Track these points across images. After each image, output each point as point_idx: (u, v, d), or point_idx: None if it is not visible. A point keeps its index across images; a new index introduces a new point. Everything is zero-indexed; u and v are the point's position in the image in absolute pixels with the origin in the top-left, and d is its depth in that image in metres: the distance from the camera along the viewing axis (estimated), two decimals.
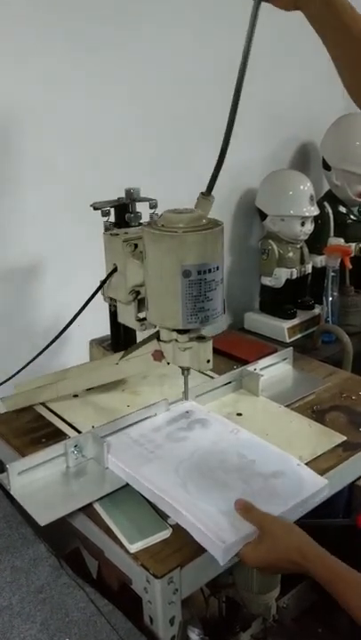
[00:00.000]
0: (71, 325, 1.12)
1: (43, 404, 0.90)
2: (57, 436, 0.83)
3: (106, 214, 0.86)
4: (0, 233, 1.01)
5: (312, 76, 1.47)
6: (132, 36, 1.09)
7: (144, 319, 0.81)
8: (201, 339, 0.74)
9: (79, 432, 0.83)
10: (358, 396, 0.95)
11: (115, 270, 0.83)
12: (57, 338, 0.84)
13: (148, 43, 1.12)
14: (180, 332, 0.73)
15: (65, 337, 1.11)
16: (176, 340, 0.74)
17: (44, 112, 1.00)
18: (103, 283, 0.84)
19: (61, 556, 0.72)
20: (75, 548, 0.91)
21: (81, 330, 0.91)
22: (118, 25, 1.07)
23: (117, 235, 0.82)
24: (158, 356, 0.77)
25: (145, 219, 0.90)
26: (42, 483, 0.73)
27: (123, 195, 0.90)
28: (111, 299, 0.88)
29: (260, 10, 0.70)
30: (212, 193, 0.75)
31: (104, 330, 0.97)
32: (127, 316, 0.85)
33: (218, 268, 0.70)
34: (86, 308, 0.88)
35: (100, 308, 0.89)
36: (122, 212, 0.88)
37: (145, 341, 0.80)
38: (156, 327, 0.77)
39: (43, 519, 0.67)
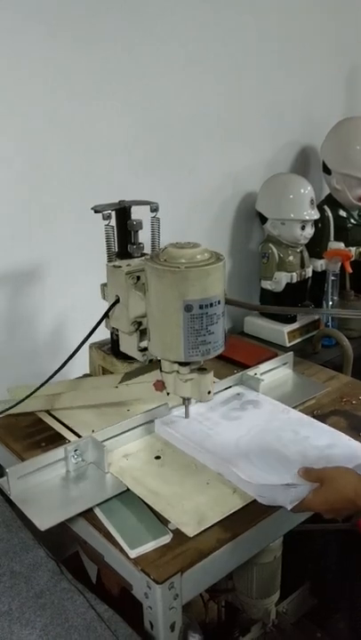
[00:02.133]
0: (71, 330, 1.12)
1: None
2: (56, 440, 0.83)
3: (107, 218, 0.86)
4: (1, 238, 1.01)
5: (313, 79, 1.48)
6: (134, 35, 1.09)
7: (146, 349, 0.82)
8: (202, 370, 0.76)
9: (79, 436, 0.83)
10: (359, 400, 0.95)
11: (117, 301, 0.84)
12: (63, 366, 0.82)
13: (150, 42, 1.11)
14: (181, 364, 0.75)
15: (64, 340, 1.12)
16: (177, 372, 0.75)
17: (44, 113, 1.00)
18: (106, 314, 0.86)
19: (61, 561, 0.72)
20: (74, 552, 0.91)
21: (81, 333, 0.91)
22: (120, 25, 1.06)
23: (120, 267, 0.83)
24: (160, 386, 0.78)
25: (146, 224, 0.90)
26: (42, 487, 0.72)
27: (123, 197, 0.90)
28: (113, 328, 0.89)
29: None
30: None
31: (103, 334, 0.97)
32: (129, 346, 0.86)
33: (219, 302, 0.72)
34: (86, 312, 0.87)
35: (99, 311, 0.89)
36: (123, 217, 0.88)
37: (145, 370, 0.81)
38: (157, 357, 0.78)
39: (43, 524, 0.66)
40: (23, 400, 0.83)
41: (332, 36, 1.48)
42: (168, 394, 0.79)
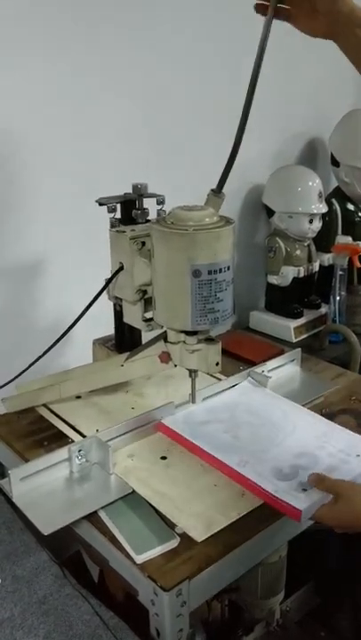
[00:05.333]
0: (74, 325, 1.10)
1: (45, 405, 0.88)
2: (59, 438, 0.81)
3: (112, 210, 0.83)
4: (1, 230, 0.98)
5: (321, 71, 1.44)
6: (138, 29, 1.06)
7: (150, 319, 0.79)
8: (210, 340, 0.72)
9: (82, 435, 0.81)
10: None
11: (121, 269, 0.80)
12: (62, 337, 0.82)
13: (155, 36, 1.08)
14: (188, 333, 0.71)
15: (67, 337, 1.09)
16: (184, 342, 0.72)
17: (47, 107, 0.97)
18: (109, 282, 0.82)
19: (62, 561, 0.70)
20: (76, 551, 0.89)
21: (84, 329, 0.89)
22: (124, 19, 1.03)
23: (124, 232, 0.79)
24: (165, 357, 0.75)
25: (152, 215, 0.87)
26: (44, 489, 0.70)
27: (128, 190, 0.87)
28: (116, 298, 0.85)
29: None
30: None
31: (108, 329, 0.95)
32: (133, 316, 0.82)
33: (229, 268, 0.68)
34: (90, 307, 0.85)
35: (103, 307, 0.87)
36: (128, 209, 0.85)
37: (151, 342, 0.77)
38: (162, 328, 0.74)
39: (46, 528, 0.64)
40: (19, 375, 0.81)
41: None
42: (175, 366, 0.75)
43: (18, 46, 0.92)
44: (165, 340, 0.74)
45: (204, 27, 1.16)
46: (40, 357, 0.82)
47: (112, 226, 0.84)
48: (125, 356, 0.84)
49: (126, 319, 0.85)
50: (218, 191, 0.70)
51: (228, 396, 0.88)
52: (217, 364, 0.73)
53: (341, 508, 0.63)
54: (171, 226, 0.67)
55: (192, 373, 0.76)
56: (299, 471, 0.70)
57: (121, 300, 0.84)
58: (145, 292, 0.79)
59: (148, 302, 0.79)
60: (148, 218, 0.85)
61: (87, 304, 0.82)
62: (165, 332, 0.74)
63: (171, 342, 0.73)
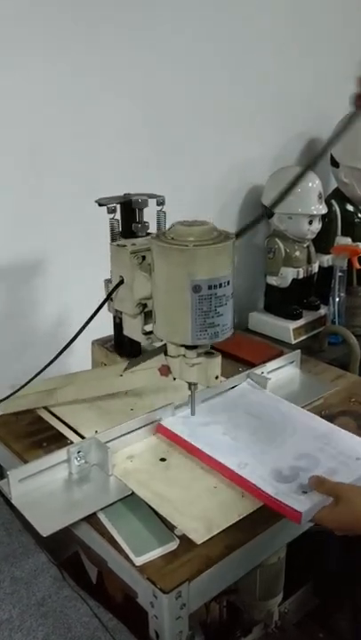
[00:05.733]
0: (73, 325, 1.09)
1: (43, 406, 0.88)
2: (58, 439, 0.81)
3: (112, 211, 0.83)
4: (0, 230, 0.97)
5: (321, 72, 1.44)
6: (138, 29, 1.05)
7: (150, 332, 0.79)
8: (209, 354, 0.72)
9: (81, 436, 0.81)
10: None
11: (121, 282, 0.80)
12: (63, 350, 0.80)
13: (155, 36, 1.08)
14: (188, 347, 0.71)
15: (66, 337, 1.09)
16: (184, 356, 0.72)
17: (46, 107, 0.97)
18: (109, 295, 0.82)
19: (61, 562, 0.70)
20: (74, 552, 0.89)
21: (84, 330, 0.88)
22: (124, 18, 1.03)
23: (124, 246, 0.79)
24: (165, 371, 0.75)
25: (152, 218, 0.87)
26: (43, 490, 0.70)
27: (129, 190, 0.87)
28: (117, 311, 0.86)
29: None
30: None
31: (107, 330, 0.95)
32: (133, 329, 0.83)
33: (228, 283, 0.68)
34: (88, 308, 0.85)
35: (103, 307, 0.86)
36: (128, 211, 0.85)
37: (150, 355, 0.78)
38: (162, 341, 0.74)
39: (45, 529, 0.64)
40: (19, 389, 0.80)
41: (340, 26, 1.45)
42: (174, 379, 0.75)
43: (18, 46, 0.91)
44: (165, 354, 0.74)
45: (204, 26, 1.16)
46: (42, 371, 0.81)
47: (112, 236, 0.84)
48: (125, 363, 0.84)
49: (126, 332, 0.85)
50: (237, 236, 0.71)
51: (228, 397, 0.88)
52: (216, 377, 0.73)
53: (342, 511, 0.63)
54: (171, 241, 0.67)
55: (191, 386, 0.77)
56: (299, 473, 0.70)
57: (121, 312, 0.85)
58: (145, 305, 0.79)
59: (148, 315, 0.80)
60: (149, 231, 0.85)
61: (87, 308, 0.82)
62: (165, 345, 0.74)
63: (170, 356, 0.73)
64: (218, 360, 0.72)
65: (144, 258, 0.77)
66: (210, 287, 0.66)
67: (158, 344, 0.76)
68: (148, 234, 0.84)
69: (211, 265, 0.66)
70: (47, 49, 0.95)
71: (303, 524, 0.65)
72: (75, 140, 1.02)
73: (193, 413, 0.80)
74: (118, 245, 0.80)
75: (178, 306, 0.67)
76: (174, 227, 0.69)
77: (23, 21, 0.91)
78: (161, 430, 0.80)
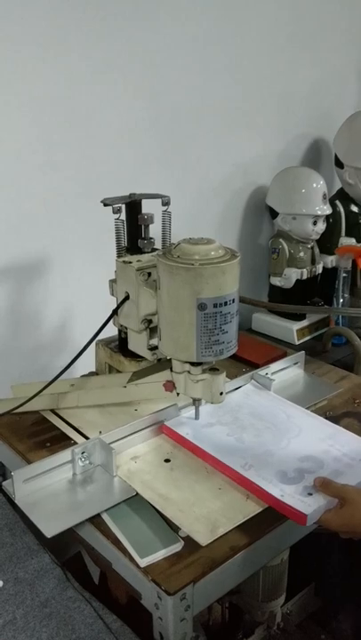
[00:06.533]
0: (76, 326, 1.09)
1: None
2: (62, 440, 0.81)
3: (117, 212, 0.82)
4: (2, 229, 0.97)
5: (325, 71, 1.43)
6: (139, 22, 1.05)
7: (156, 347, 0.79)
8: (214, 370, 0.73)
9: (85, 436, 0.81)
10: None
11: (127, 298, 0.81)
12: (71, 363, 0.80)
13: (158, 37, 1.07)
14: (193, 364, 0.72)
15: (70, 337, 1.09)
16: (189, 372, 0.73)
17: (50, 105, 0.96)
18: (115, 311, 0.82)
19: (64, 561, 0.70)
20: (76, 552, 0.89)
21: (87, 330, 0.88)
22: (125, 11, 1.02)
23: (130, 263, 0.80)
24: (170, 386, 0.76)
25: (157, 217, 0.86)
26: (47, 491, 0.70)
27: (130, 189, 0.86)
28: (122, 325, 0.86)
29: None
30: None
31: (111, 330, 0.94)
32: (138, 344, 0.83)
33: (234, 301, 0.69)
34: (91, 308, 0.85)
35: (106, 307, 0.86)
36: (134, 211, 0.85)
37: (155, 369, 0.78)
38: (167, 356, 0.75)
39: (49, 530, 0.64)
40: (29, 400, 0.80)
41: (344, 25, 1.44)
42: (178, 394, 0.76)
43: (19, 45, 0.91)
44: (170, 369, 0.75)
45: (206, 26, 1.15)
46: (50, 384, 0.81)
47: (119, 255, 0.84)
48: (128, 374, 0.84)
49: (131, 347, 0.85)
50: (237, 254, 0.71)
51: (232, 398, 0.88)
52: (221, 393, 0.73)
53: (347, 513, 0.63)
54: (177, 260, 0.68)
55: (196, 402, 0.77)
56: (304, 475, 0.70)
57: (126, 328, 0.85)
58: (150, 321, 0.79)
59: (153, 331, 0.80)
60: (155, 247, 0.86)
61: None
62: (170, 360, 0.74)
63: (176, 372, 0.74)
64: (223, 377, 0.73)
65: (150, 274, 0.78)
66: (215, 305, 0.67)
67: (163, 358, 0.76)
68: (154, 249, 0.85)
69: (216, 284, 0.66)
70: (49, 48, 0.94)
71: (308, 525, 0.65)
72: (77, 138, 1.01)
73: (197, 418, 0.81)
74: (124, 262, 0.80)
75: (183, 323, 0.68)
76: (180, 245, 0.69)
77: (23, 21, 0.90)
78: (165, 431, 0.80)
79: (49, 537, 0.63)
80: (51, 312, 1.07)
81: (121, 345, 0.92)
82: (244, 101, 1.26)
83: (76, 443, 0.79)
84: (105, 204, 0.81)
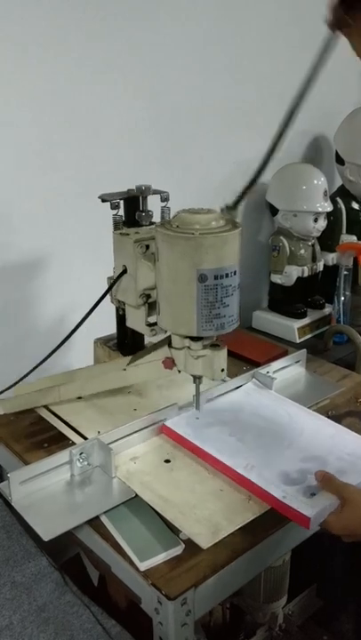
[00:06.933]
0: (73, 322, 1.08)
1: (45, 405, 0.86)
2: (59, 440, 0.79)
3: (115, 207, 0.81)
4: (2, 229, 0.96)
5: (326, 68, 1.42)
6: (139, 20, 1.03)
7: (154, 324, 0.77)
8: (215, 346, 0.70)
9: (83, 436, 0.79)
10: None
11: (124, 272, 0.78)
12: (63, 342, 0.79)
13: (156, 27, 1.06)
14: (193, 339, 0.70)
15: (67, 334, 1.07)
16: (189, 348, 0.70)
17: (48, 99, 0.95)
18: (112, 285, 0.80)
19: (62, 564, 0.68)
20: (75, 554, 0.88)
21: (85, 328, 0.87)
22: (128, 16, 1.01)
23: (128, 234, 0.77)
24: (169, 363, 0.73)
25: (156, 215, 0.85)
26: (45, 493, 0.68)
27: (131, 187, 0.85)
28: (119, 301, 0.84)
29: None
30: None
31: (109, 328, 0.93)
32: (136, 321, 0.81)
33: (235, 273, 0.67)
34: (90, 307, 0.83)
35: (105, 305, 0.85)
36: (132, 207, 0.83)
37: (154, 348, 0.76)
38: (167, 332, 0.73)
39: (46, 533, 0.62)
40: (18, 382, 0.78)
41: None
42: (179, 371, 0.73)
43: (19, 45, 0.89)
44: (169, 346, 0.72)
45: (206, 23, 1.14)
46: (41, 363, 0.80)
47: (115, 225, 0.82)
48: (128, 359, 0.82)
49: (129, 323, 0.83)
50: (233, 207, 0.69)
51: (233, 398, 0.87)
52: (222, 370, 0.71)
53: (348, 515, 0.61)
54: (176, 229, 0.65)
55: (196, 379, 0.75)
56: (307, 476, 0.68)
57: (124, 303, 0.83)
58: (149, 296, 0.77)
59: (151, 306, 0.78)
60: (153, 220, 0.83)
61: (90, 307, 0.80)
62: (170, 337, 0.72)
63: (175, 348, 0.71)
64: (224, 352, 0.70)
65: (148, 247, 0.75)
66: (216, 277, 0.65)
67: (162, 337, 0.74)
68: (152, 223, 0.82)
69: (217, 254, 0.64)
70: (49, 46, 0.93)
71: (312, 528, 0.63)
72: (77, 136, 1.00)
73: (198, 408, 0.79)
74: (121, 234, 0.78)
75: (183, 296, 0.66)
76: (179, 215, 0.67)
77: (24, 20, 0.89)
78: (165, 431, 0.78)
79: (46, 540, 0.62)
80: (51, 312, 1.05)
81: (119, 343, 0.91)
82: (244, 101, 1.25)
83: (74, 443, 0.77)
84: (103, 200, 0.80)
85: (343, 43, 0.68)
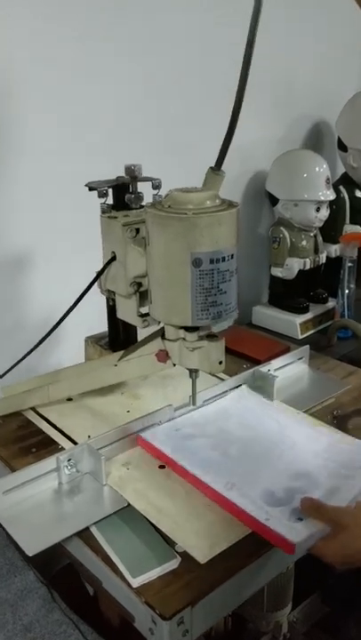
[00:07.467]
0: (64, 322, 1.04)
1: (32, 408, 0.82)
2: (48, 444, 0.75)
3: (103, 195, 0.76)
4: None
5: (327, 50, 1.37)
6: (135, 12, 0.99)
7: (147, 314, 0.72)
8: (212, 337, 0.65)
9: (73, 441, 0.75)
10: None
11: (113, 259, 0.73)
12: (50, 334, 0.75)
13: (154, 18, 1.02)
14: (188, 329, 0.64)
15: (58, 334, 1.02)
16: (184, 339, 0.65)
17: (37, 90, 0.90)
18: (100, 273, 0.75)
19: (53, 574, 0.64)
20: (67, 563, 0.83)
21: (75, 327, 0.82)
22: (121, 5, 0.96)
23: (116, 218, 0.72)
24: (163, 356, 0.68)
25: (148, 200, 0.80)
26: (30, 502, 0.64)
27: (121, 173, 0.80)
28: (109, 291, 0.79)
29: None
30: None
31: (101, 326, 0.88)
32: (127, 311, 0.76)
33: (232, 257, 0.61)
34: (81, 303, 0.79)
35: (96, 302, 0.80)
36: (121, 194, 0.78)
37: (147, 340, 0.71)
38: (160, 323, 0.68)
39: (31, 548, 0.58)
40: (2, 376, 0.75)
41: (346, 6, 1.37)
42: (175, 365, 0.68)
43: (18, 40, 0.85)
44: (163, 337, 0.67)
45: (202, 8, 1.09)
46: (25, 356, 0.75)
47: (103, 212, 0.77)
48: (119, 354, 0.77)
49: (120, 315, 0.78)
50: (217, 168, 0.63)
51: (219, 405, 0.80)
52: (220, 362, 0.66)
53: (347, 543, 0.54)
54: (168, 210, 0.60)
55: (192, 373, 0.70)
56: (295, 495, 0.61)
57: (114, 293, 0.78)
58: (140, 284, 0.72)
59: (143, 296, 0.73)
60: (143, 203, 0.78)
61: (80, 310, 0.76)
62: (163, 328, 0.67)
63: (169, 339, 0.66)
64: (221, 343, 0.65)
65: (138, 231, 0.71)
66: (212, 261, 0.59)
67: (155, 328, 0.69)
68: (142, 206, 0.77)
69: (213, 236, 0.59)
70: (46, 43, 0.89)
71: (297, 554, 0.57)
72: (64, 123, 0.95)
73: (194, 404, 0.74)
74: (109, 217, 0.73)
75: (176, 283, 0.61)
76: (171, 194, 0.62)
77: (24, 19, 0.85)
78: (141, 443, 0.72)
79: (30, 555, 0.57)
80: (39, 308, 1.01)
81: (111, 341, 0.86)
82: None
83: (63, 448, 0.73)
84: (90, 188, 0.75)
85: (342, 26, 0.63)
